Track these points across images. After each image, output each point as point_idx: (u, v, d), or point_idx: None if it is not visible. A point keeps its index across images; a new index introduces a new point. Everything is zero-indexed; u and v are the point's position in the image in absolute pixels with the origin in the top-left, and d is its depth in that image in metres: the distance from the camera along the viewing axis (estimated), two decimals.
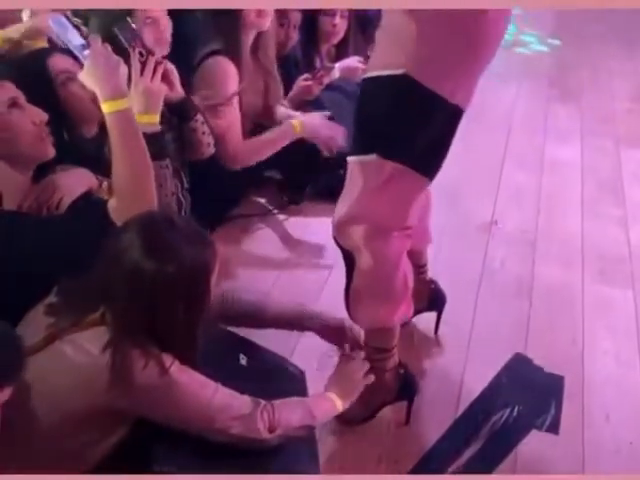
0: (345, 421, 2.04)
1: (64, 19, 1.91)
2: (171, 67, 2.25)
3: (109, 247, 1.51)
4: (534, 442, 2.09)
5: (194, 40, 2.77)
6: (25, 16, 2.50)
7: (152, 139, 1.93)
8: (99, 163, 1.97)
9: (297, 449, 1.71)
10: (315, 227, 2.94)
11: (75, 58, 1.92)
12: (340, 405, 1.79)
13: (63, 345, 1.50)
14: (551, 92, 4.56)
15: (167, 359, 1.50)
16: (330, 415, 1.81)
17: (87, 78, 1.76)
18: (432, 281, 2.39)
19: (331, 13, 3.34)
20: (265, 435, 1.60)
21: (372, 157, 1.77)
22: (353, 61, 3.39)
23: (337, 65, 3.34)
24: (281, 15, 3.09)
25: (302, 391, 1.89)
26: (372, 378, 1.88)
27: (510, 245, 2.99)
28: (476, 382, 2.27)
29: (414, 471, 1.97)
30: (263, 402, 1.63)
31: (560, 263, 2.91)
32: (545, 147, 3.84)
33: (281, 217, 3.04)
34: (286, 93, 3.18)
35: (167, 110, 2.25)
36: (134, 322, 1.49)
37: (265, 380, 1.86)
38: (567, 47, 5.30)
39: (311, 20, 3.36)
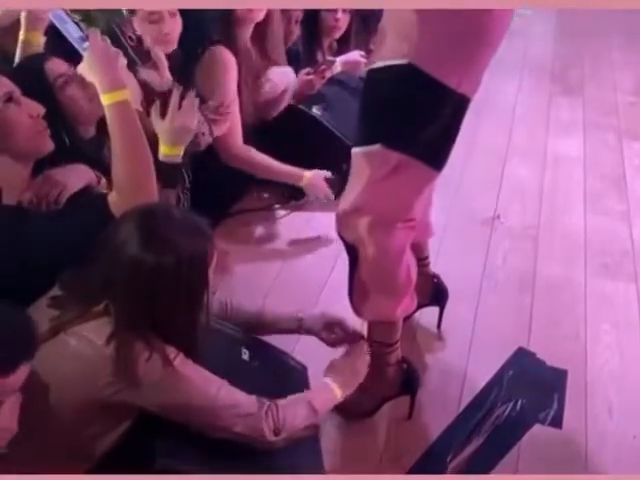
0: (348, 415, 2.04)
1: (63, 14, 1.93)
2: (160, 54, 2.24)
3: (108, 240, 1.51)
4: (537, 436, 2.08)
5: (194, 29, 2.78)
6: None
7: (170, 169, 2.02)
8: (99, 163, 1.97)
9: (300, 445, 1.71)
10: (317, 222, 2.93)
11: (69, 61, 1.93)
12: (339, 395, 1.79)
13: (67, 337, 1.50)
14: (553, 86, 4.54)
15: (171, 352, 1.51)
16: (330, 405, 1.80)
17: (86, 70, 1.76)
18: (435, 275, 2.38)
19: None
20: (270, 438, 1.61)
21: (377, 147, 1.75)
22: (355, 55, 3.39)
23: (339, 59, 3.34)
24: (283, 10, 3.09)
25: (304, 386, 1.89)
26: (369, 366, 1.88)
27: (513, 239, 2.98)
28: (479, 377, 2.26)
29: (416, 465, 1.97)
30: (268, 402, 1.63)
31: (563, 257, 2.90)
32: (547, 141, 3.82)
33: (283, 212, 3.03)
34: None
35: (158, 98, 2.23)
36: (136, 314, 1.50)
37: (267, 375, 1.87)
38: (569, 41, 5.27)
39: (313, 14, 3.36)
